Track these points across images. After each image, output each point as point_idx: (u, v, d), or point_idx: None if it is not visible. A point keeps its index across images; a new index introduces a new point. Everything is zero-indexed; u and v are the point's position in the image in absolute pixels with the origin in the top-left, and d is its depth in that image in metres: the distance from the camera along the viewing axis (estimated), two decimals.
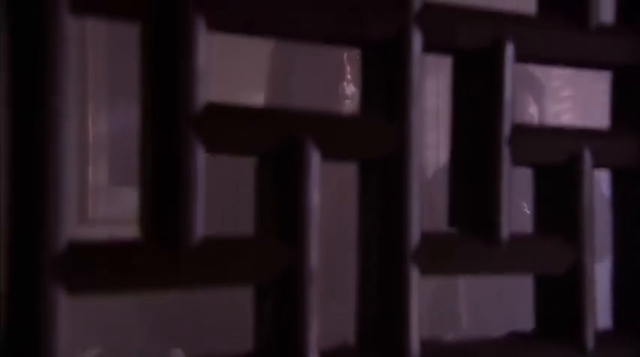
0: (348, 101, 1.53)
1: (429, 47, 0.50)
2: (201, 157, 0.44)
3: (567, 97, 3.41)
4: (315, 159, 0.46)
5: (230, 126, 0.44)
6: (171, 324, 1.62)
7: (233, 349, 0.46)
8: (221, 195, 1.45)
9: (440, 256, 0.49)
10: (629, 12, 0.55)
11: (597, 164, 0.54)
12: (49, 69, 0.41)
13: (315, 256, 0.45)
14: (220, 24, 0.45)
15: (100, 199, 2.64)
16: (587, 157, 0.53)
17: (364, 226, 0.49)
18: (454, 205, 0.52)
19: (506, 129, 0.51)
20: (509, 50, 0.51)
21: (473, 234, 0.51)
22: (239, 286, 0.44)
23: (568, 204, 0.53)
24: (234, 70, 2.55)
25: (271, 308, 0.46)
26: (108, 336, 2.07)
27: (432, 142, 2.89)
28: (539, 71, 2.22)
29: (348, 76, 1.53)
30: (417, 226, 0.48)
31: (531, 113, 2.20)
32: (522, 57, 0.52)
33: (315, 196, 0.46)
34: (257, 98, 1.72)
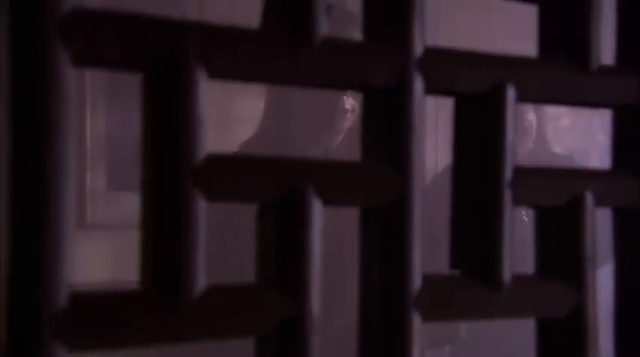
0: (348, 114, 1.53)
1: (430, 91, 0.50)
2: (202, 207, 0.43)
3: None
4: (316, 208, 0.46)
5: (230, 176, 0.44)
6: None
7: None
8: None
9: (441, 303, 0.49)
10: (630, 53, 0.55)
11: (599, 204, 0.54)
12: (49, 120, 0.41)
13: (317, 306, 0.45)
14: (221, 73, 0.45)
15: (99, 203, 2.64)
16: (589, 198, 0.53)
17: (365, 272, 0.49)
18: (455, 247, 0.52)
19: (507, 172, 0.51)
20: (511, 93, 0.51)
21: (474, 278, 0.51)
22: (241, 337, 0.44)
23: (570, 245, 0.53)
24: None
25: None
26: None
27: (430, 146, 2.89)
28: None
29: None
30: (418, 273, 0.48)
31: (530, 120, 2.20)
32: (524, 99, 0.52)
33: (317, 245, 0.46)
34: (258, 104, 1.72)
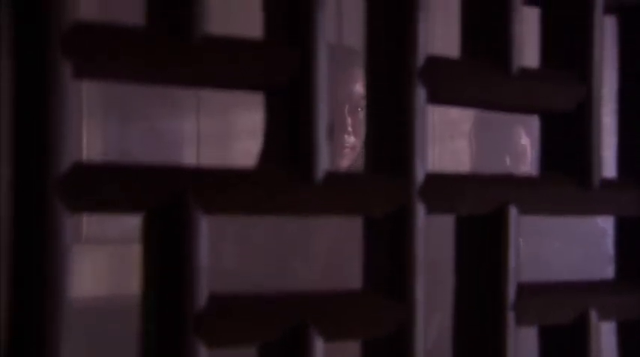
0: (346, 151, 1.52)
1: (432, 212, 0.49)
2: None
3: None
4: (318, 348, 0.45)
5: (232, 322, 0.44)
6: None
7: None
8: None
9: None
10: (630, 166, 0.55)
11: (603, 318, 0.53)
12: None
13: None
14: (222, 212, 0.45)
15: (94, 218, 2.63)
16: (594, 315, 0.53)
17: None
18: None
19: (511, 294, 0.50)
20: (513, 214, 0.50)
21: None
22: None
23: None
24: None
25: None
26: None
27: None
28: None
29: (349, 128, 1.52)
30: None
31: (524, 144, 2.18)
32: (526, 214, 0.52)
33: None
34: (258, 117, 1.70)
